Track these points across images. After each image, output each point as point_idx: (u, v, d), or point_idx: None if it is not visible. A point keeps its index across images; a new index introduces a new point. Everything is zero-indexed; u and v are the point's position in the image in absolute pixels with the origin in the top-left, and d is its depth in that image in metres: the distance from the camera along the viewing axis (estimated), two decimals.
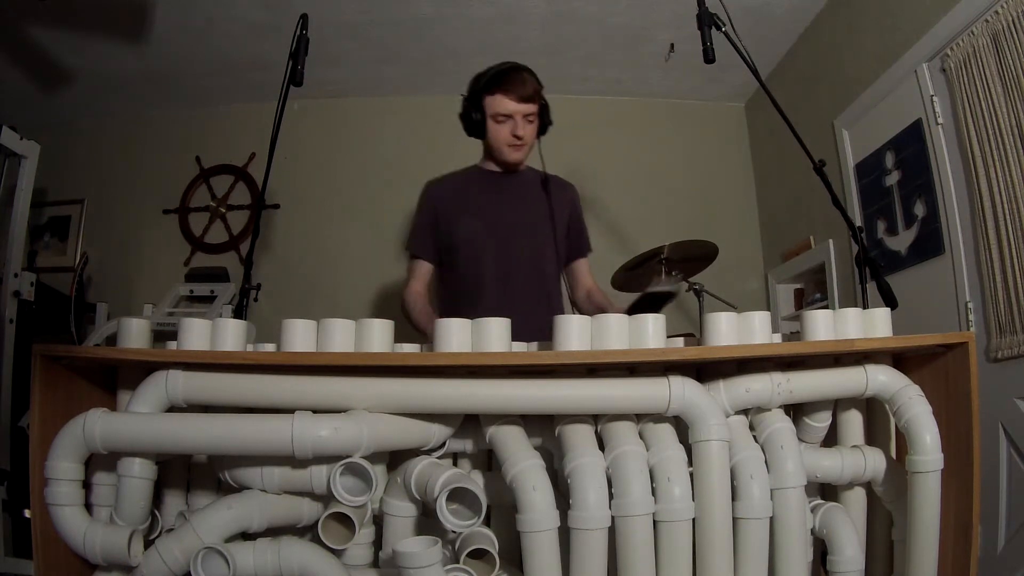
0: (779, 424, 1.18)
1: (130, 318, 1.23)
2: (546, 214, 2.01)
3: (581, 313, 1.92)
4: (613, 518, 1.05)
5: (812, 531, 1.22)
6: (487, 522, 1.24)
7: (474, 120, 1.93)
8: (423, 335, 1.76)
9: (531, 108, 1.89)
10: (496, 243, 1.96)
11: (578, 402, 1.12)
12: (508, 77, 1.88)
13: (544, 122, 1.96)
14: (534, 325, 1.37)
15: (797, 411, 1.29)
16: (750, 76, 1.62)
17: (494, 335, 1.14)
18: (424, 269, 2.04)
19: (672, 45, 3.43)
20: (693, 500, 1.09)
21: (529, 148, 1.97)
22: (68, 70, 3.62)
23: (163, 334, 2.20)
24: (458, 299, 1.99)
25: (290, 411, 1.09)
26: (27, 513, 2.05)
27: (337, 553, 1.13)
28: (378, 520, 1.21)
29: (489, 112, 1.91)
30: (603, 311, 1.67)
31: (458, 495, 1.08)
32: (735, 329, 1.17)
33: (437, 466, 1.14)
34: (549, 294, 2.00)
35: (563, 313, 1.82)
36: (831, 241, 3.13)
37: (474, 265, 1.97)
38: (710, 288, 2.91)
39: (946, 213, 2.41)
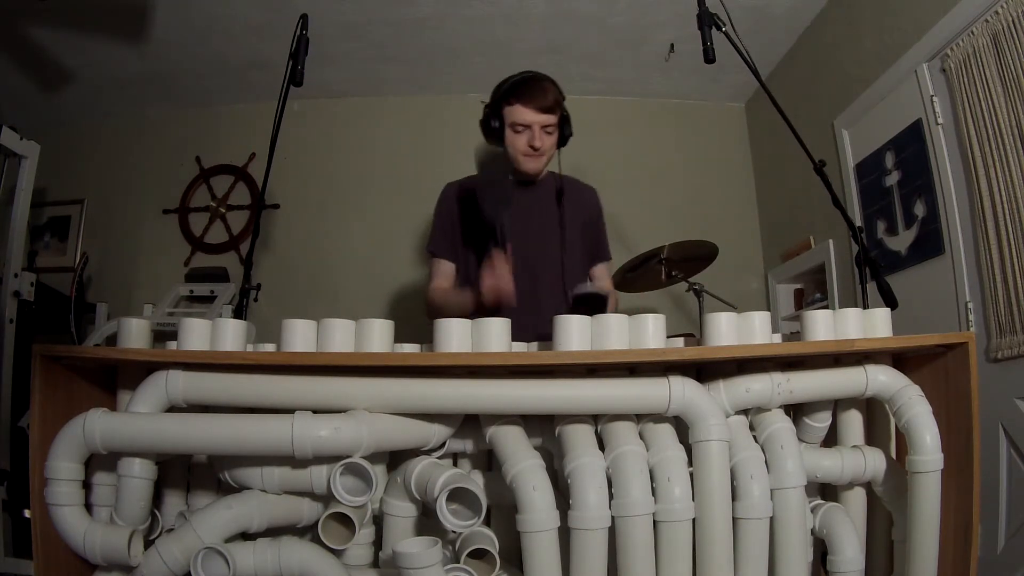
0: (779, 424, 1.18)
1: (130, 318, 1.23)
2: (559, 223, 1.98)
3: None
4: (613, 518, 1.05)
5: (812, 531, 1.22)
6: (487, 522, 1.24)
7: (493, 128, 1.92)
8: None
9: (550, 119, 1.87)
10: (515, 248, 1.94)
11: (578, 402, 1.12)
12: (528, 87, 1.87)
13: (564, 133, 1.94)
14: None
15: (797, 411, 1.29)
16: (750, 76, 1.62)
17: (494, 335, 1.14)
18: (446, 268, 2.03)
19: (672, 45, 3.43)
20: (693, 500, 1.09)
21: (548, 158, 1.96)
22: (68, 70, 3.62)
23: (163, 334, 2.21)
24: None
25: (290, 411, 1.09)
26: (27, 513, 2.05)
27: (337, 553, 1.14)
28: (378, 520, 1.21)
29: (508, 121, 1.89)
30: None
31: (458, 495, 1.08)
32: (735, 329, 1.17)
33: (437, 466, 1.14)
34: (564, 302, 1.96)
35: None
36: (831, 241, 3.13)
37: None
38: (710, 288, 2.92)
39: (946, 213, 2.41)
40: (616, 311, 1.58)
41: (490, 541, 1.12)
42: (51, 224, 4.06)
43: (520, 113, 1.87)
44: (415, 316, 3.69)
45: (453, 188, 2.07)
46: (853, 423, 1.30)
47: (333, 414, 1.09)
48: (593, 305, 1.63)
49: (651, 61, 3.60)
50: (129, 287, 3.90)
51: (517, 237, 1.96)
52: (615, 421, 1.15)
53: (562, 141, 1.95)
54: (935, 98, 2.45)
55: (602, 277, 2.10)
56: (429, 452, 1.19)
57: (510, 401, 1.11)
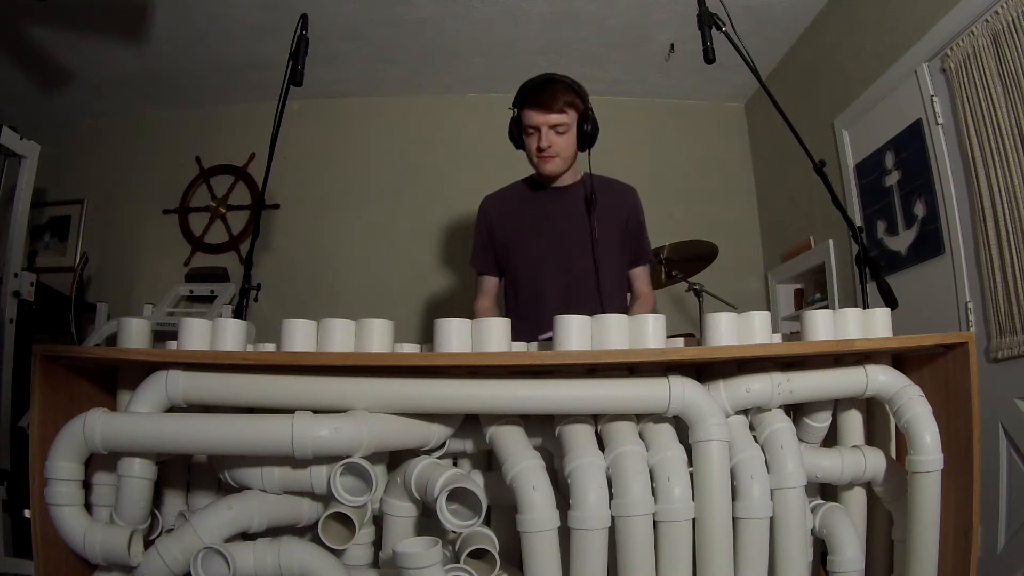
0: (779, 424, 1.18)
1: (130, 318, 1.23)
2: (592, 226, 1.96)
3: None
4: (613, 518, 1.05)
5: (812, 531, 1.22)
6: (487, 522, 1.24)
7: (514, 133, 1.96)
8: None
9: (558, 119, 1.87)
10: (543, 259, 1.96)
11: (578, 402, 1.12)
12: (534, 90, 1.89)
13: (585, 132, 1.91)
14: None
15: (797, 411, 1.29)
16: (750, 76, 1.62)
17: (494, 335, 1.14)
18: (489, 284, 2.07)
19: (672, 45, 3.43)
20: (693, 500, 1.09)
21: (564, 160, 1.94)
22: (68, 70, 3.62)
23: (163, 334, 2.21)
24: (516, 312, 2.00)
25: (290, 411, 1.09)
26: (27, 513, 2.05)
27: (337, 553, 1.13)
28: (378, 520, 1.21)
29: (522, 125, 1.92)
30: None
31: (458, 495, 1.08)
32: (735, 329, 1.17)
33: (437, 466, 1.14)
34: (611, 306, 1.94)
35: None
36: (831, 241, 3.13)
37: (531, 279, 1.98)
38: (710, 288, 2.91)
39: (946, 213, 2.41)
40: (655, 311, 1.57)
41: (490, 541, 1.12)
42: (51, 224, 4.06)
43: (528, 116, 1.89)
44: (415, 316, 3.71)
45: (488, 201, 2.10)
46: (853, 423, 1.30)
47: (333, 414, 1.09)
48: None
49: (651, 61, 3.61)
50: (129, 287, 3.90)
51: (549, 242, 1.97)
52: (615, 421, 1.15)
53: (586, 141, 1.93)
54: (935, 98, 2.45)
55: (640, 279, 2.08)
56: (429, 452, 1.19)
57: (510, 401, 1.11)
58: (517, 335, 1.25)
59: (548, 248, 1.97)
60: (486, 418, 1.18)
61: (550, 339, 1.44)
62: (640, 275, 2.08)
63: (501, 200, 2.08)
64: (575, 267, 1.95)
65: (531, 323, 1.84)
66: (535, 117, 1.88)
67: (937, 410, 1.16)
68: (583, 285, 1.94)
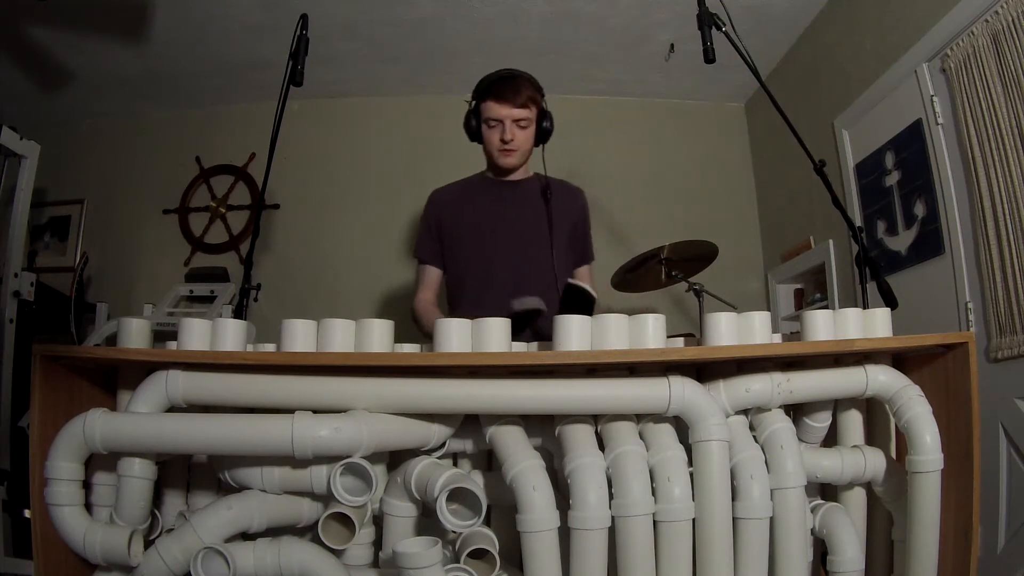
0: (779, 424, 1.18)
1: (130, 318, 1.23)
2: (545, 222, 1.98)
3: None
4: (613, 518, 1.05)
5: (812, 531, 1.22)
6: (487, 522, 1.24)
7: (471, 126, 1.96)
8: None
9: (522, 114, 1.89)
10: (496, 251, 1.96)
11: (578, 402, 1.12)
12: (499, 83, 1.90)
13: (543, 129, 1.95)
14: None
15: (797, 411, 1.29)
16: (750, 76, 1.62)
17: (494, 335, 1.14)
18: (432, 275, 2.06)
19: (672, 45, 3.43)
20: (693, 500, 1.09)
21: (523, 154, 1.96)
22: (68, 70, 3.62)
23: (163, 334, 2.21)
24: (463, 305, 1.99)
25: (290, 411, 1.09)
26: (27, 513, 2.05)
27: (337, 553, 1.13)
28: (378, 520, 1.21)
29: (483, 117, 1.93)
30: None
31: (458, 495, 1.08)
32: (735, 329, 1.17)
33: (437, 466, 1.14)
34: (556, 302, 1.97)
35: None
36: (831, 241, 3.13)
37: (476, 272, 1.97)
38: (710, 288, 2.91)
39: (946, 213, 2.41)
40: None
41: (490, 541, 1.12)
42: (51, 224, 4.06)
43: (491, 109, 1.90)
44: None
45: (437, 194, 2.10)
46: (853, 423, 1.30)
47: (333, 414, 1.09)
48: (581, 302, 1.62)
49: (651, 61, 3.60)
50: (129, 287, 3.90)
51: (503, 236, 1.97)
52: (615, 421, 1.15)
53: (542, 137, 1.96)
54: (935, 98, 2.45)
55: (586, 279, 2.09)
56: (429, 452, 1.19)
57: (510, 401, 1.11)
58: None
59: (501, 240, 1.97)
60: (486, 418, 1.18)
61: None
62: (585, 275, 2.11)
63: (451, 193, 2.08)
64: (527, 260, 1.95)
65: (478, 315, 1.83)
66: (499, 110, 1.89)
67: (937, 410, 1.16)
68: (534, 279, 1.94)
